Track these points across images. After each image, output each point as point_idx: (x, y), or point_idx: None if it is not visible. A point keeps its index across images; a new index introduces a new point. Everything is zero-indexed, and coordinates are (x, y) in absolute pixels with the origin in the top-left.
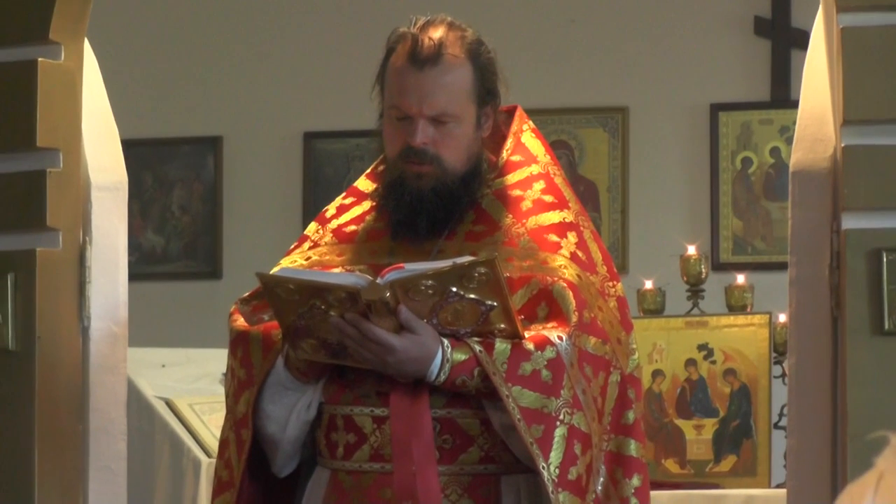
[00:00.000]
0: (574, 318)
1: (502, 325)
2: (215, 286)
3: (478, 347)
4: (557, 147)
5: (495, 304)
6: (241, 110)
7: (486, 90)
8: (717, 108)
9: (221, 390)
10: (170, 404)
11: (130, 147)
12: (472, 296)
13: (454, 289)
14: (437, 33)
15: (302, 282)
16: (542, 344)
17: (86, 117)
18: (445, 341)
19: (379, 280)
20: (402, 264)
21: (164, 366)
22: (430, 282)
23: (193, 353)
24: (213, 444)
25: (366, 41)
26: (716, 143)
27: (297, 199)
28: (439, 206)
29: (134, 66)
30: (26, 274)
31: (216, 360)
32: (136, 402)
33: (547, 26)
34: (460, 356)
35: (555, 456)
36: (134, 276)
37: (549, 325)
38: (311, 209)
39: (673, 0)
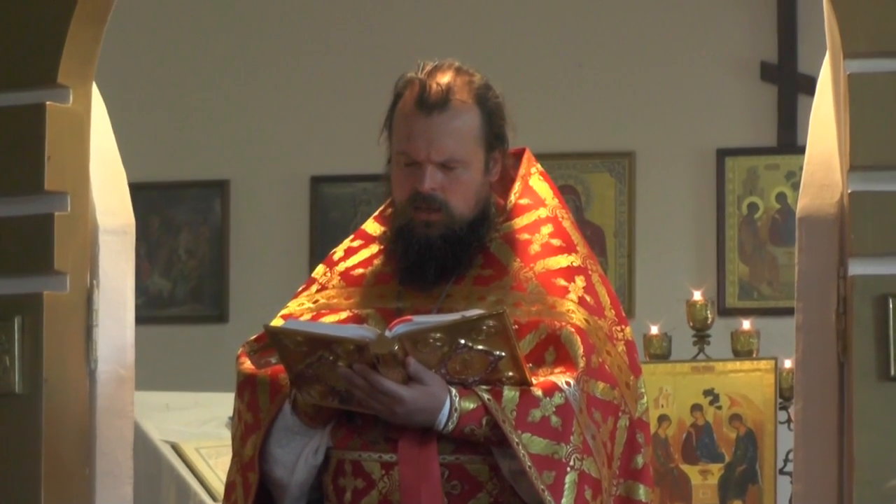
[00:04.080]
0: (582, 364)
1: (511, 373)
2: (222, 330)
3: (486, 396)
4: (563, 192)
5: (504, 353)
6: (248, 154)
7: (494, 135)
8: (723, 154)
9: (228, 434)
10: (176, 448)
11: (137, 190)
12: (480, 346)
13: (462, 340)
14: (444, 78)
15: (310, 334)
16: (551, 390)
17: (94, 161)
18: (454, 390)
19: (387, 333)
20: (410, 317)
21: (168, 406)
22: (438, 334)
23: (200, 397)
24: (220, 487)
25: (372, 85)
26: (722, 188)
27: (304, 244)
28: (448, 252)
29: (141, 110)
30: (33, 317)
31: (223, 403)
32: (143, 446)
33: (554, 70)
34: (469, 405)
35: (566, 502)
36: (140, 320)
37: (557, 370)
38: (318, 253)
39: (680, 45)
